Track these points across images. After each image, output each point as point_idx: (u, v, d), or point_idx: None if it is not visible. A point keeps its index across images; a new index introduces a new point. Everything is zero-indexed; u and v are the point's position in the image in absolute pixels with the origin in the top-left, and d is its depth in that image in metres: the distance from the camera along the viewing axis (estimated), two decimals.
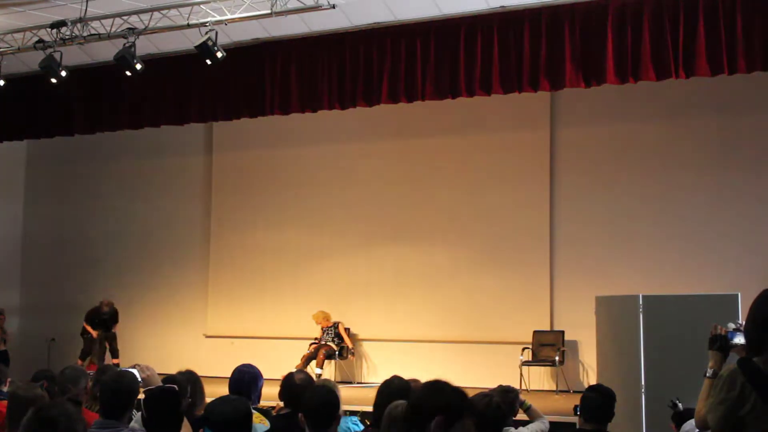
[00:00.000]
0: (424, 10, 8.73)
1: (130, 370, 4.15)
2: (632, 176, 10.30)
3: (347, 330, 11.15)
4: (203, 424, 3.53)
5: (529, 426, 4.83)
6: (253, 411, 4.01)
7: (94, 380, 4.83)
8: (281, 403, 4.46)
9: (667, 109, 10.13)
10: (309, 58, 9.44)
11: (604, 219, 10.38)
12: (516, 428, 4.55)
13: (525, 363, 10.01)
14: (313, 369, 10.44)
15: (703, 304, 6.84)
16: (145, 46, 9.46)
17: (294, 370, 5.35)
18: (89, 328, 11.95)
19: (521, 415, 4.95)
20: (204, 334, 12.22)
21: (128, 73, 9.16)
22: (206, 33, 8.63)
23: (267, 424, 4.18)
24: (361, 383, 11.00)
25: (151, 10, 8.82)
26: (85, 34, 9.07)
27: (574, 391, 9.48)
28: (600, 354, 7.96)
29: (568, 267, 10.47)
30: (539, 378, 10.30)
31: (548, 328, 10.39)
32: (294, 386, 4.29)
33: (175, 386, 3.71)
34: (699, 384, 3.42)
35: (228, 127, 11.62)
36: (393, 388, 3.87)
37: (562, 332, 10.20)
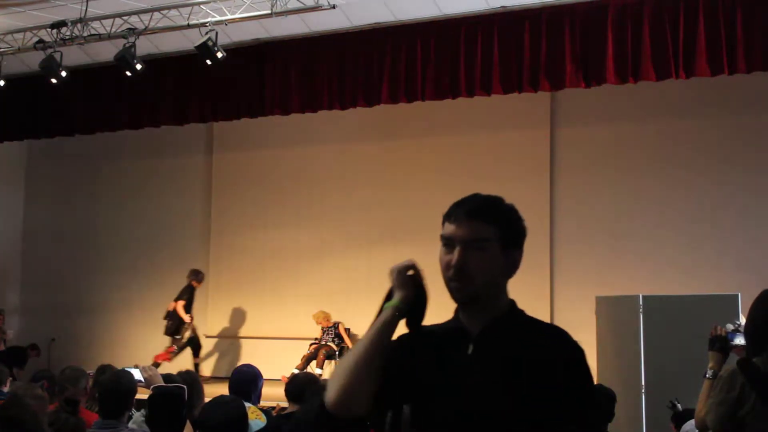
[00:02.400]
0: (424, 10, 8.72)
1: (131, 369, 4.16)
2: (632, 176, 10.29)
3: (347, 330, 11.15)
4: (198, 427, 3.53)
5: None
6: (250, 406, 4.02)
7: (94, 381, 4.84)
8: (281, 404, 4.47)
9: (667, 109, 10.12)
10: (309, 58, 9.43)
11: (604, 219, 10.37)
12: None
13: None
14: (313, 369, 10.44)
15: (703, 304, 6.84)
16: (145, 46, 9.46)
17: (295, 370, 5.37)
18: (187, 316, 10.99)
19: None
20: (204, 334, 12.22)
21: (128, 73, 9.16)
22: (206, 33, 8.63)
23: (263, 420, 4.19)
24: None
25: (151, 10, 8.82)
26: (85, 34, 9.07)
27: None
28: (600, 354, 7.96)
29: (568, 267, 10.46)
30: None
31: None
32: (300, 384, 4.32)
33: (184, 386, 3.72)
34: (699, 384, 3.42)
35: (228, 127, 11.62)
36: None
37: None
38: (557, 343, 1.87)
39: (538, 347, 1.84)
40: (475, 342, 1.88)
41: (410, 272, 1.97)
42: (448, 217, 1.97)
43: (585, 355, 1.87)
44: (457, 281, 1.90)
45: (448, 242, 1.93)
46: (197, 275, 11.32)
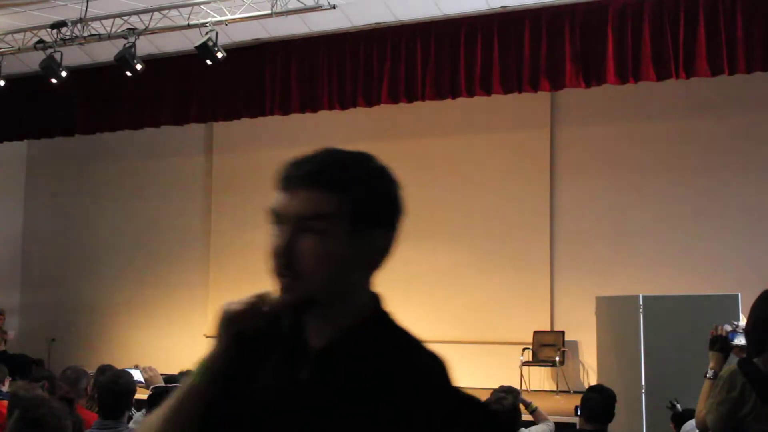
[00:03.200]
0: (424, 10, 8.73)
1: (131, 370, 4.16)
2: (632, 176, 10.29)
3: None
4: None
5: (532, 428, 4.83)
6: None
7: (94, 381, 4.84)
8: None
9: (667, 109, 10.12)
10: (309, 58, 9.44)
11: (604, 219, 10.37)
12: (518, 429, 4.55)
13: (525, 363, 10.00)
14: None
15: (703, 304, 6.84)
16: (145, 46, 9.47)
17: None
18: None
19: (524, 417, 4.95)
20: (204, 334, 12.21)
21: (128, 74, 9.17)
22: (206, 33, 8.64)
23: None
24: None
25: (152, 10, 8.82)
26: (85, 34, 9.07)
27: (575, 392, 9.47)
28: (600, 354, 7.96)
29: (568, 267, 10.46)
30: (539, 378, 10.29)
31: (548, 329, 10.37)
32: None
33: None
34: (699, 384, 3.42)
35: (228, 127, 11.62)
36: None
37: (563, 332, 10.19)
38: (428, 381, 1.27)
39: (402, 385, 1.24)
40: (314, 364, 1.30)
41: (237, 318, 1.39)
42: (280, 182, 1.33)
43: (467, 403, 1.31)
44: (284, 276, 1.30)
45: (277, 219, 1.31)
46: None
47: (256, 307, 1.34)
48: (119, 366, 5.36)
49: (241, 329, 1.35)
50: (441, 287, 10.95)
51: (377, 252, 1.34)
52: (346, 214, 1.29)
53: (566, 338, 10.16)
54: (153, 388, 3.75)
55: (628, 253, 10.12)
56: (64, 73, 9.32)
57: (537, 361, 10.12)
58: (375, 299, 1.36)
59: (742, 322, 3.56)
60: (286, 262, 1.29)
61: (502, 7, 8.47)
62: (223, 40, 8.87)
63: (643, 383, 6.89)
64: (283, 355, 1.34)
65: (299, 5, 8.28)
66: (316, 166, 1.31)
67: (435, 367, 1.30)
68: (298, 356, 1.31)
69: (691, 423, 4.10)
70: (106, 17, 8.99)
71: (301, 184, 1.29)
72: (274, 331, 1.33)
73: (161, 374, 4.39)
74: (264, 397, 1.32)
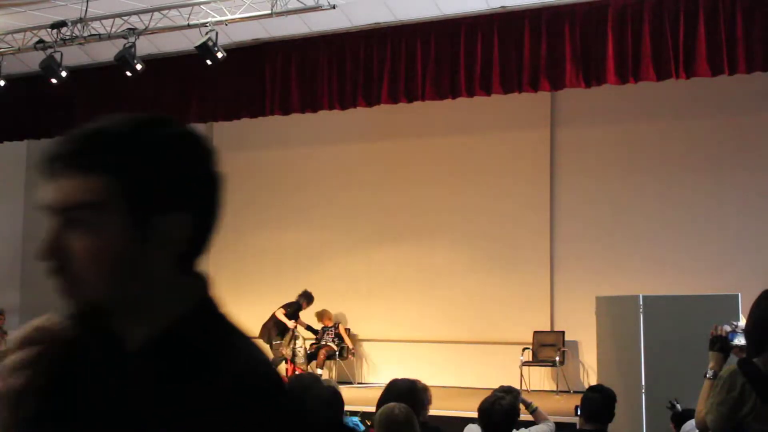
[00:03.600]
0: (424, 10, 8.73)
1: None
2: (632, 176, 10.30)
3: (347, 330, 11.15)
4: None
5: (532, 428, 4.83)
6: None
7: None
8: None
9: (667, 109, 10.13)
10: (309, 58, 9.45)
11: (604, 219, 10.38)
12: (518, 429, 4.55)
13: (525, 363, 10.01)
14: (314, 369, 10.44)
15: (703, 304, 6.84)
16: (145, 46, 9.47)
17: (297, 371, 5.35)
18: (291, 322, 10.63)
19: (525, 417, 4.95)
20: None
21: (128, 74, 9.17)
22: (206, 33, 8.64)
23: None
24: (361, 383, 10.99)
25: (152, 10, 8.82)
26: (85, 34, 9.08)
27: (575, 392, 9.47)
28: (600, 354, 7.96)
29: (568, 267, 10.47)
30: (539, 378, 10.29)
31: (548, 329, 10.38)
32: (304, 383, 4.33)
33: None
34: (699, 384, 3.42)
35: (228, 127, 11.62)
36: (398, 389, 3.92)
37: (563, 332, 10.20)
38: (249, 382, 1.12)
39: (221, 387, 1.07)
40: (125, 372, 1.09)
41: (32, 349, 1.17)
42: (42, 165, 1.13)
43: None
44: (59, 281, 1.13)
45: (46, 211, 1.08)
46: (308, 298, 10.94)
47: (47, 333, 1.13)
48: None
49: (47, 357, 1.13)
50: (441, 287, 10.96)
51: (176, 241, 1.11)
52: (119, 200, 1.04)
53: (566, 338, 10.17)
54: None
55: (628, 253, 10.12)
56: (64, 73, 9.33)
57: (537, 361, 10.12)
58: (197, 289, 1.17)
59: (742, 322, 3.56)
60: (57, 264, 1.08)
61: (502, 7, 8.47)
62: (223, 40, 8.87)
63: (643, 383, 6.89)
64: (95, 370, 1.11)
65: (299, 5, 8.29)
66: (77, 143, 1.10)
67: (258, 367, 1.12)
68: (110, 367, 1.10)
69: (691, 423, 4.11)
70: (106, 17, 8.99)
71: (62, 167, 1.08)
72: (82, 347, 1.12)
73: None
74: (84, 418, 1.09)
